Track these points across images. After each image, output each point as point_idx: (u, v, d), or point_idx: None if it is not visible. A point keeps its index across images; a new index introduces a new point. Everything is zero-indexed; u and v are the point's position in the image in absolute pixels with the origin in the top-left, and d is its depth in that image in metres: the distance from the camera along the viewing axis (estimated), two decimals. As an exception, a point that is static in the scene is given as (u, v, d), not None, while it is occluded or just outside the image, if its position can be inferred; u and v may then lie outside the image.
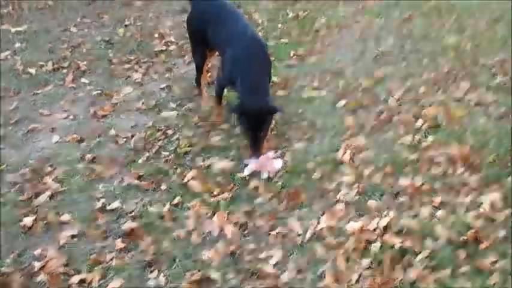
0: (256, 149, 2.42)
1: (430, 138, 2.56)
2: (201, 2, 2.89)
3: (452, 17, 4.15)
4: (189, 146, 2.63)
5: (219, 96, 2.76)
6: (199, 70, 2.96)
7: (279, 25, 4.05)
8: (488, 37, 3.78)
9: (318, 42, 3.77)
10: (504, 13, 4.16)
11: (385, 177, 2.33)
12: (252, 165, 2.42)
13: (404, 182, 2.27)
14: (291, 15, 4.25)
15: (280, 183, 2.34)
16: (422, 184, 2.24)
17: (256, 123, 2.39)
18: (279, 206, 2.22)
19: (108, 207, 2.27)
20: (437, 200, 2.14)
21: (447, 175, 2.29)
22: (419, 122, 2.70)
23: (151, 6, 4.54)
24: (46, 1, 4.60)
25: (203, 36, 2.76)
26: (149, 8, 4.50)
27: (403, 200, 2.17)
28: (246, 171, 2.41)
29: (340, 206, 2.18)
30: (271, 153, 2.49)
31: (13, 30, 4.03)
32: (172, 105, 3.02)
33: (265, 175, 2.40)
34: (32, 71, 3.47)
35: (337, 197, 2.24)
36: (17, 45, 3.82)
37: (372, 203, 2.17)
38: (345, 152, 2.49)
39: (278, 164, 2.45)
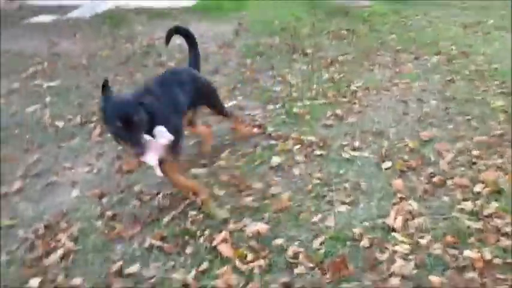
0: (135, 144, 2.08)
1: (494, 204, 2.25)
2: None
3: (496, 81, 3.96)
4: (219, 206, 2.38)
5: None
6: None
7: (314, 86, 3.92)
8: (539, 101, 3.55)
9: (355, 103, 3.59)
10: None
11: (447, 248, 2.00)
12: (148, 156, 2.13)
13: (470, 254, 1.93)
14: (326, 76, 4.13)
15: (322, 250, 2.04)
16: (494, 258, 1.90)
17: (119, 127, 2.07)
18: (322, 277, 1.90)
19: (125, 271, 2.00)
20: (515, 277, 1.79)
21: (522, 249, 1.95)
22: (478, 186, 2.41)
23: (183, 65, 4.51)
24: (80, 60, 4.65)
25: None
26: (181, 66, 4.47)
27: (471, 276, 1.83)
28: (157, 171, 2.22)
29: (395, 281, 1.85)
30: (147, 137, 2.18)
31: (45, 85, 4.02)
32: (203, 161, 2.81)
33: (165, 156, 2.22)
34: (60, 124, 3.36)
35: (391, 269, 1.91)
36: (48, 99, 3.77)
37: (434, 278, 1.84)
38: (396, 218, 2.19)
39: (166, 135, 2.20)
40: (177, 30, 2.92)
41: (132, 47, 5.01)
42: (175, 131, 2.31)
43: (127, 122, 2.05)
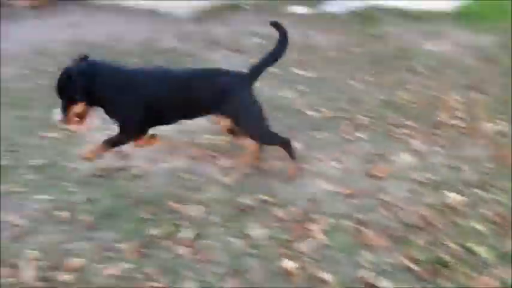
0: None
1: None
2: None
3: None
4: (481, 245, 2.11)
5: None
6: None
7: None
8: None
9: None
10: None
11: None
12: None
13: None
14: None
15: None
16: None
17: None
18: None
19: (374, 282, 1.93)
20: None
21: None
22: None
23: (440, 76, 4.20)
24: (332, 54, 4.76)
25: None
26: (436, 76, 4.18)
27: None
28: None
29: None
30: None
31: (299, 73, 4.25)
32: (461, 188, 2.55)
33: None
34: (310, 113, 3.50)
35: None
36: (300, 87, 3.96)
37: None
38: None
39: None
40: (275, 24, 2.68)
41: (383, 48, 4.92)
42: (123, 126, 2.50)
43: (58, 86, 2.33)
